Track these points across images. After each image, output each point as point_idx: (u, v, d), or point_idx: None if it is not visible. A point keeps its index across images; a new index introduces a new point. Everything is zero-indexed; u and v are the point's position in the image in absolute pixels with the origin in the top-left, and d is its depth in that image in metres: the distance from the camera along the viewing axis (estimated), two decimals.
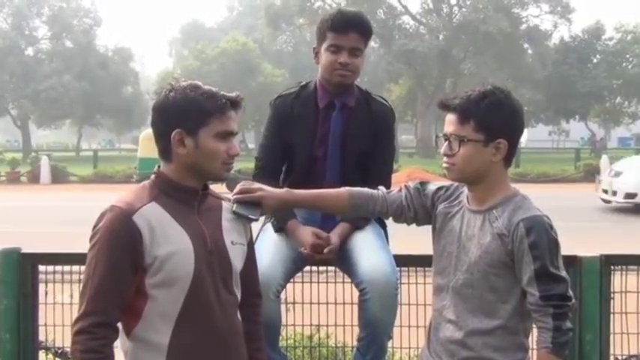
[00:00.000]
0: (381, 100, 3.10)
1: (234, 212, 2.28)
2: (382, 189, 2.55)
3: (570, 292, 2.20)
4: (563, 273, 2.20)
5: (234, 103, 2.14)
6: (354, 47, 2.90)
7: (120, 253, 2.00)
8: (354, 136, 2.98)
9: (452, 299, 2.31)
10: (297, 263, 2.90)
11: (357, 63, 2.92)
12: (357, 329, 2.90)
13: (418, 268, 3.21)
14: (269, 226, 2.99)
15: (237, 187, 2.38)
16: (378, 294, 2.67)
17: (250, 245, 2.34)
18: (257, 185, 2.42)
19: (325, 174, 2.98)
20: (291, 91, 3.07)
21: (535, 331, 2.26)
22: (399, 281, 2.81)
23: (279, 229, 2.95)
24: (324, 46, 2.93)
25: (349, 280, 2.99)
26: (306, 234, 2.85)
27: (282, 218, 2.93)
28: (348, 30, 2.88)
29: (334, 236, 2.86)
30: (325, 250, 2.81)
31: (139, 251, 2.01)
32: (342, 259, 2.89)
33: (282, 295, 2.96)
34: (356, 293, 2.99)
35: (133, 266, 2.01)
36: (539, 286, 2.16)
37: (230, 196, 2.35)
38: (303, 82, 3.09)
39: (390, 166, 3.13)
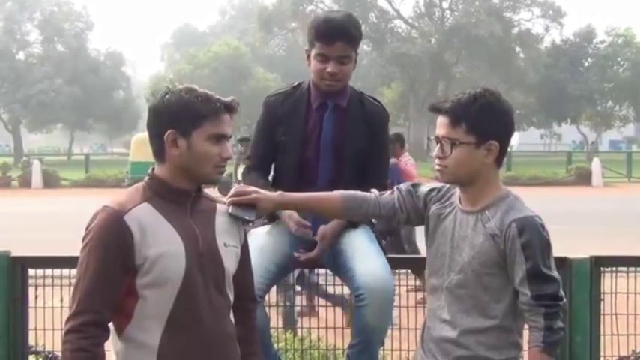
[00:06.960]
0: (374, 101, 3.10)
1: (229, 214, 2.28)
2: (375, 191, 2.55)
3: (562, 292, 2.22)
4: (555, 273, 2.22)
5: (229, 107, 2.15)
6: (341, 56, 2.89)
7: (111, 253, 2.00)
8: (349, 135, 2.98)
9: (446, 299, 2.32)
10: (281, 267, 2.87)
11: (346, 70, 2.92)
12: (348, 332, 2.89)
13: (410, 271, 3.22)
14: (252, 232, 2.93)
15: (232, 190, 2.40)
16: (375, 301, 2.64)
17: (244, 249, 2.34)
18: (251, 188, 2.45)
19: (317, 175, 2.97)
20: (283, 91, 3.07)
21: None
22: (396, 286, 2.81)
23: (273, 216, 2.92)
24: (313, 53, 2.94)
25: (340, 283, 2.97)
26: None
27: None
28: (335, 40, 2.87)
29: (324, 238, 2.85)
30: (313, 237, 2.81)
31: (129, 251, 2.01)
32: (336, 264, 2.86)
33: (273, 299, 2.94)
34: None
35: (124, 266, 2.02)
36: (530, 285, 2.17)
37: (225, 199, 2.36)
38: (296, 82, 3.09)
39: (386, 164, 3.13)
